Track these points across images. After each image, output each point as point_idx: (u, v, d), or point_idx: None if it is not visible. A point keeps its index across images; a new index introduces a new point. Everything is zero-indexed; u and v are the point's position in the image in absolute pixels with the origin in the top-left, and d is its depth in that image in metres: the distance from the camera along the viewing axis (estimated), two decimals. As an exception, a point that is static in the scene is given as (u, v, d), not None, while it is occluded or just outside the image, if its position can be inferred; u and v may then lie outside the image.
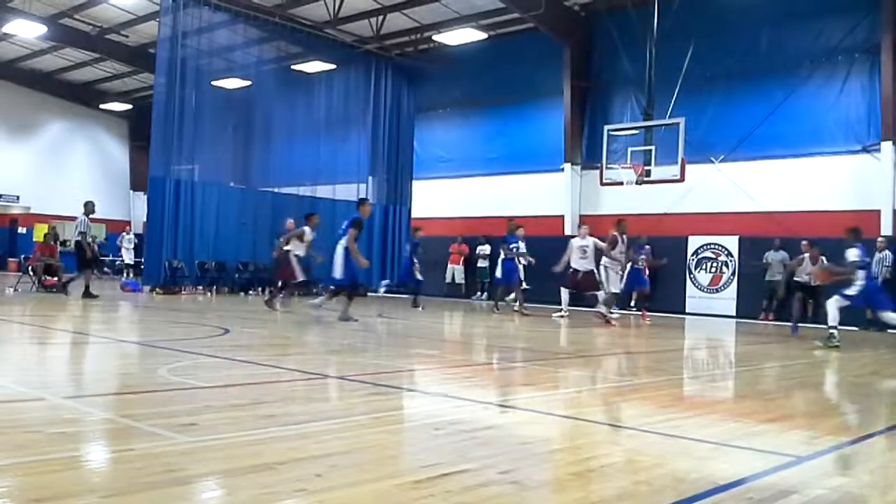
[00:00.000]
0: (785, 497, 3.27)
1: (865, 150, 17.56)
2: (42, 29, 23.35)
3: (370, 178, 24.43)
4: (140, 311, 14.26)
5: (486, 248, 22.59)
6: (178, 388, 5.56)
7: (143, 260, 22.32)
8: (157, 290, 18.94)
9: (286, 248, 14.62)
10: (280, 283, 15.32)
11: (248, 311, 14.45)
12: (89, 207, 16.27)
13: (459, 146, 24.86)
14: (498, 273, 12.66)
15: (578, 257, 15.04)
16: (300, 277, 14.70)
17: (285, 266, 14.67)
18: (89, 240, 16.19)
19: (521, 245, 16.18)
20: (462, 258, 23.52)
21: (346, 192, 23.72)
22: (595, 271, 15.04)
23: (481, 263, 22.83)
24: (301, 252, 14.55)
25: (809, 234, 17.11)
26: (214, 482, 3.25)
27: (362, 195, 24.13)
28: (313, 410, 4.93)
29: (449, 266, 23.66)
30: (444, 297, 23.14)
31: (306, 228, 14.62)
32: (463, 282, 23.55)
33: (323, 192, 23.37)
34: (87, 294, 15.54)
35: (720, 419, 5.30)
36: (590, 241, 15.13)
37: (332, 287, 12.81)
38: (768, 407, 5.98)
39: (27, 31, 23.67)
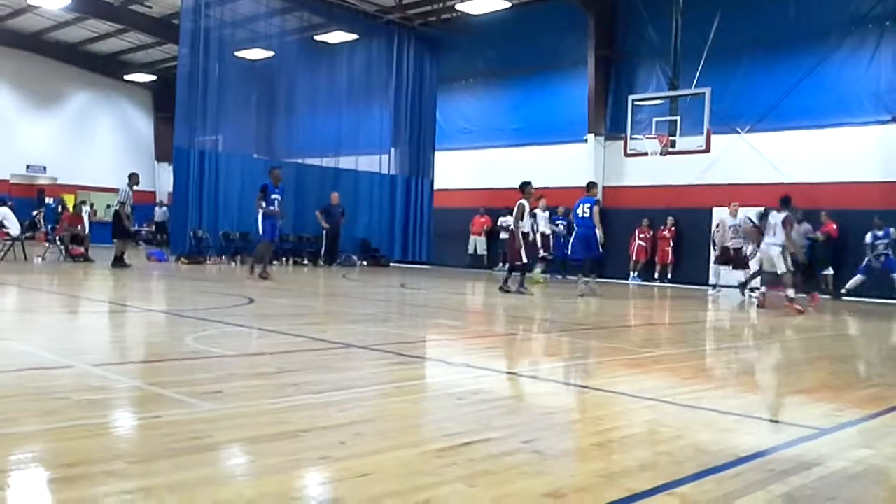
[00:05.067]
0: (807, 469, 3.27)
1: (895, 119, 17.25)
2: (66, 0, 23.40)
3: (392, 149, 24.38)
4: (166, 280, 14.40)
5: (508, 220, 22.52)
6: (203, 356, 5.63)
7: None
8: (183, 259, 19.11)
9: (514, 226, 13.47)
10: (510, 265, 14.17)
11: (271, 280, 14.51)
12: (134, 179, 16.45)
13: (482, 117, 24.72)
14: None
15: (731, 237, 15.38)
16: (524, 259, 13.55)
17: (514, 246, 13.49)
18: (128, 210, 16.34)
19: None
20: (484, 229, 23.50)
21: (369, 163, 23.71)
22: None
23: (504, 235, 22.81)
24: (526, 229, 13.67)
25: (837, 206, 16.93)
26: (239, 449, 3.30)
27: (385, 166, 24.13)
28: (337, 379, 4.97)
29: (471, 237, 23.65)
30: (467, 268, 23.15)
31: (525, 203, 13.49)
32: (485, 253, 23.53)
33: (346, 163, 23.38)
34: (121, 263, 15.74)
35: (742, 391, 5.29)
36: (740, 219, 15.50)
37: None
38: (791, 379, 5.96)
39: (52, 2, 23.70)
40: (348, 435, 3.49)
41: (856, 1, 17.72)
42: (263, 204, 14.35)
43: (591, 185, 14.69)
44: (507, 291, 13.38)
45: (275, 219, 14.51)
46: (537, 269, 17.23)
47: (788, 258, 12.38)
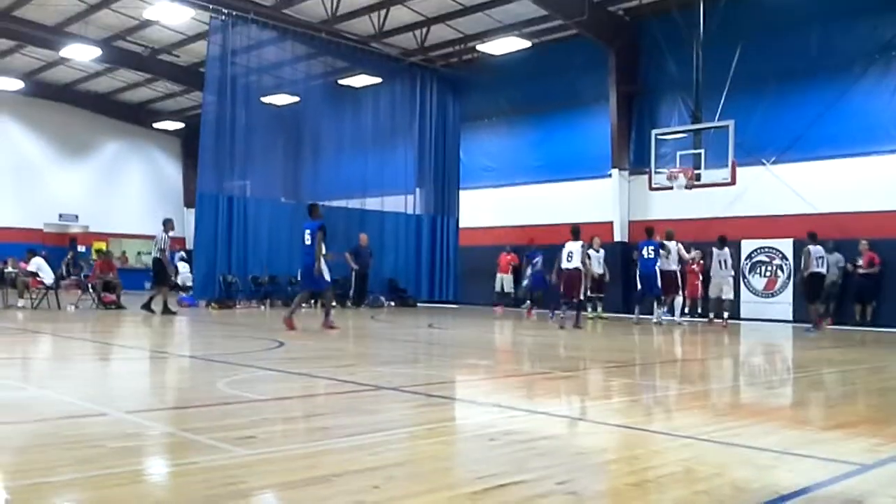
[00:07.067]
0: (850, 506, 3.20)
1: (922, 147, 17.07)
2: (97, 52, 23.99)
3: (417, 189, 24.54)
4: (196, 325, 14.51)
5: (538, 258, 22.44)
6: (235, 401, 5.65)
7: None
8: (213, 304, 19.24)
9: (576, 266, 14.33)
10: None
11: (302, 324, 14.56)
12: (169, 225, 16.71)
13: (505, 155, 24.82)
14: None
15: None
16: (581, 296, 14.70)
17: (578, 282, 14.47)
18: (168, 256, 16.66)
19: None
20: (511, 267, 23.43)
21: (394, 203, 23.88)
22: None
23: (522, 270, 22.73)
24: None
25: (867, 236, 16.73)
26: (273, 495, 3.30)
27: (410, 206, 24.24)
28: (368, 422, 4.96)
29: (498, 275, 23.57)
30: (494, 306, 23.07)
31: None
32: (512, 291, 23.44)
33: (372, 204, 23.55)
34: (166, 310, 15.89)
35: (780, 427, 5.20)
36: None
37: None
38: (830, 413, 5.86)
39: (83, 54, 24.34)
40: (381, 479, 3.47)
41: (879, 29, 17.65)
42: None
43: (653, 231, 16.66)
44: (580, 328, 14.26)
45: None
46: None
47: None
